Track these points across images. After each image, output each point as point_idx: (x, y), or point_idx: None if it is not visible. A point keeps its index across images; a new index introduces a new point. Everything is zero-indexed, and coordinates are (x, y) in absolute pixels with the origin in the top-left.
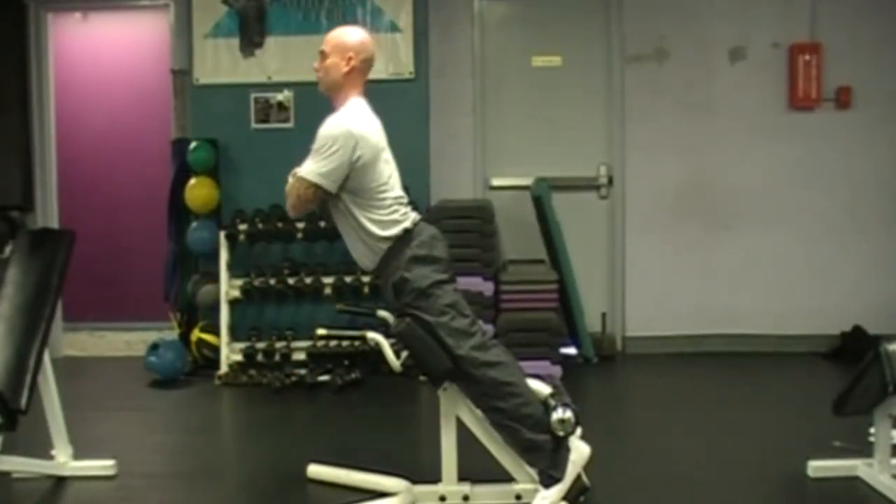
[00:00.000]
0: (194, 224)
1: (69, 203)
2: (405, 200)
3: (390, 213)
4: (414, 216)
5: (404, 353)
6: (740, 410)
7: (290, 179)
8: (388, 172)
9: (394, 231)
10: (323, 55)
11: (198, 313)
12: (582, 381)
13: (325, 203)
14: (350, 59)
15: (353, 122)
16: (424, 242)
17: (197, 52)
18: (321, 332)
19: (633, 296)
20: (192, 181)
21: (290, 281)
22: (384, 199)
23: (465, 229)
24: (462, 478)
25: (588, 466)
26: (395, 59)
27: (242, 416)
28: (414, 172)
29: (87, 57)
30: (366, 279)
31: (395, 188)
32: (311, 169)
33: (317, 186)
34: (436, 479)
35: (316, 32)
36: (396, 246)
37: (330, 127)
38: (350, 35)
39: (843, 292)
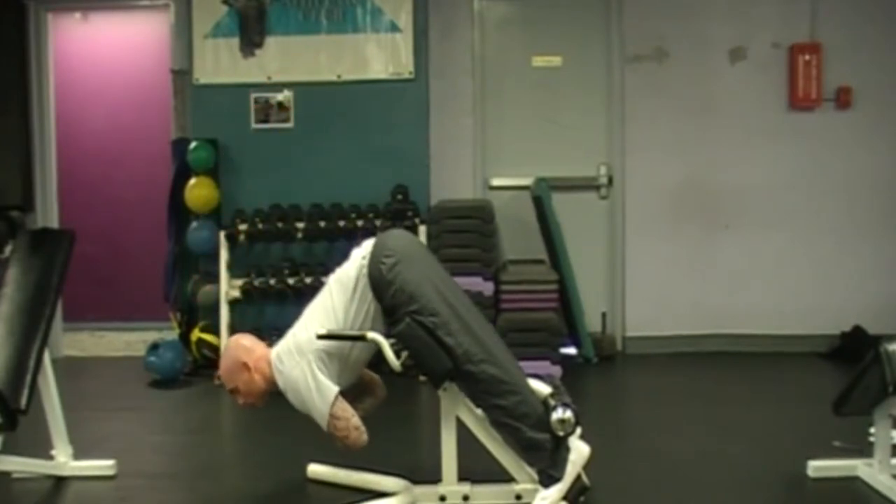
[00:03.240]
0: (194, 224)
1: (69, 203)
2: (348, 266)
3: (348, 293)
4: (363, 247)
5: (404, 353)
6: (740, 410)
7: (336, 428)
8: (322, 312)
9: (358, 283)
10: (234, 392)
11: (198, 313)
12: (582, 381)
13: (359, 386)
14: (247, 366)
15: (289, 360)
16: (393, 250)
17: (197, 52)
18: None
19: (633, 296)
20: (192, 181)
21: (290, 281)
22: (348, 310)
23: (465, 229)
24: (462, 478)
25: (588, 466)
26: (395, 59)
27: (242, 416)
28: (414, 172)
29: (87, 57)
30: None
31: (325, 313)
32: (319, 406)
33: (337, 397)
34: (436, 479)
35: (316, 32)
36: (371, 273)
37: (288, 382)
38: (232, 355)
39: (843, 292)
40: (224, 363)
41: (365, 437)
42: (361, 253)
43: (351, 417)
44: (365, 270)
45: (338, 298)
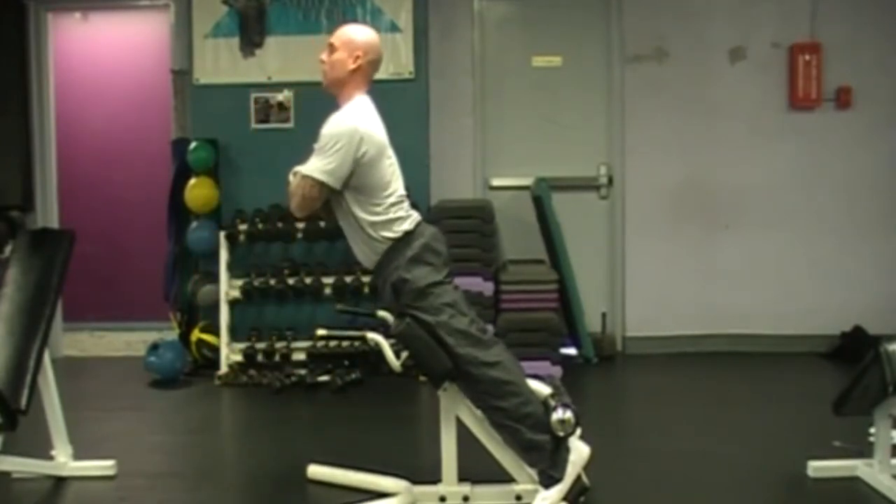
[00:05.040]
0: (194, 224)
1: (69, 203)
2: (407, 202)
3: (392, 214)
4: (415, 217)
5: (404, 353)
6: (740, 410)
7: (292, 178)
8: (392, 172)
9: (394, 232)
10: (331, 48)
11: (198, 313)
12: (582, 381)
13: (327, 202)
14: (357, 57)
15: (358, 120)
16: (425, 244)
17: (197, 52)
18: (321, 332)
19: (633, 296)
20: (192, 181)
21: (290, 281)
22: (386, 198)
23: (465, 229)
24: (462, 478)
25: (588, 466)
26: (395, 59)
27: (242, 416)
28: (414, 172)
29: (87, 57)
30: (366, 279)
31: (397, 188)
32: (316, 167)
33: (322, 184)
34: (436, 479)
35: (316, 32)
36: (396, 246)
37: (334, 124)
38: (361, 33)
39: (843, 292)
40: (358, 29)
41: (302, 214)
42: (414, 214)
43: (317, 197)
44: (406, 227)
45: (389, 172)
